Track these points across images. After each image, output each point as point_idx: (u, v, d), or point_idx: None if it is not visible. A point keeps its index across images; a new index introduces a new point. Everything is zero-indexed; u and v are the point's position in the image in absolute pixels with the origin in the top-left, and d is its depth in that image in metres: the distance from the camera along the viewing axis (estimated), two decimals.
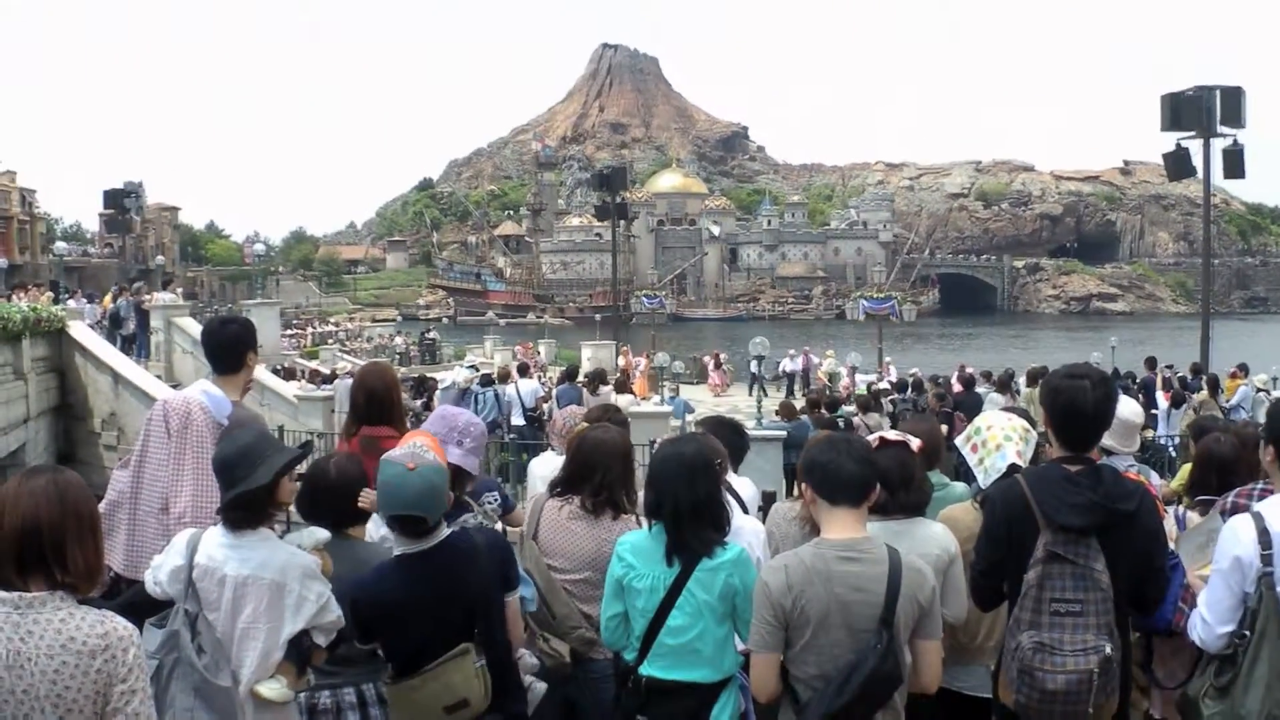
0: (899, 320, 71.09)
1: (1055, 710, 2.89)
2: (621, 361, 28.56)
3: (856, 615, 2.81)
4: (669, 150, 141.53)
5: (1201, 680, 2.95)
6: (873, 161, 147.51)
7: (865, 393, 17.10)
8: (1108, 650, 2.88)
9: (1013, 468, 3.65)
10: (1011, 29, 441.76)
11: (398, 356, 38.47)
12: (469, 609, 3.12)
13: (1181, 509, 4.21)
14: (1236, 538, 2.86)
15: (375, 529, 3.68)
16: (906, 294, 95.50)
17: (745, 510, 4.16)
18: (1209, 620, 2.90)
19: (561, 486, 3.87)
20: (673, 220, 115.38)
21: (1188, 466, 4.66)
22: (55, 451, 13.95)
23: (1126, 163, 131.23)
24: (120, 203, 33.23)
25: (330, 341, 44.47)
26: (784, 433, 11.88)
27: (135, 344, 19.30)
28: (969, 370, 22.71)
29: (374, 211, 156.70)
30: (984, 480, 3.74)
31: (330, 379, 19.95)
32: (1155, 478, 5.07)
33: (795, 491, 4.00)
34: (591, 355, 30.58)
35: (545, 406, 15.16)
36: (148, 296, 21.29)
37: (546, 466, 4.69)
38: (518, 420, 14.94)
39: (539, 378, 21.22)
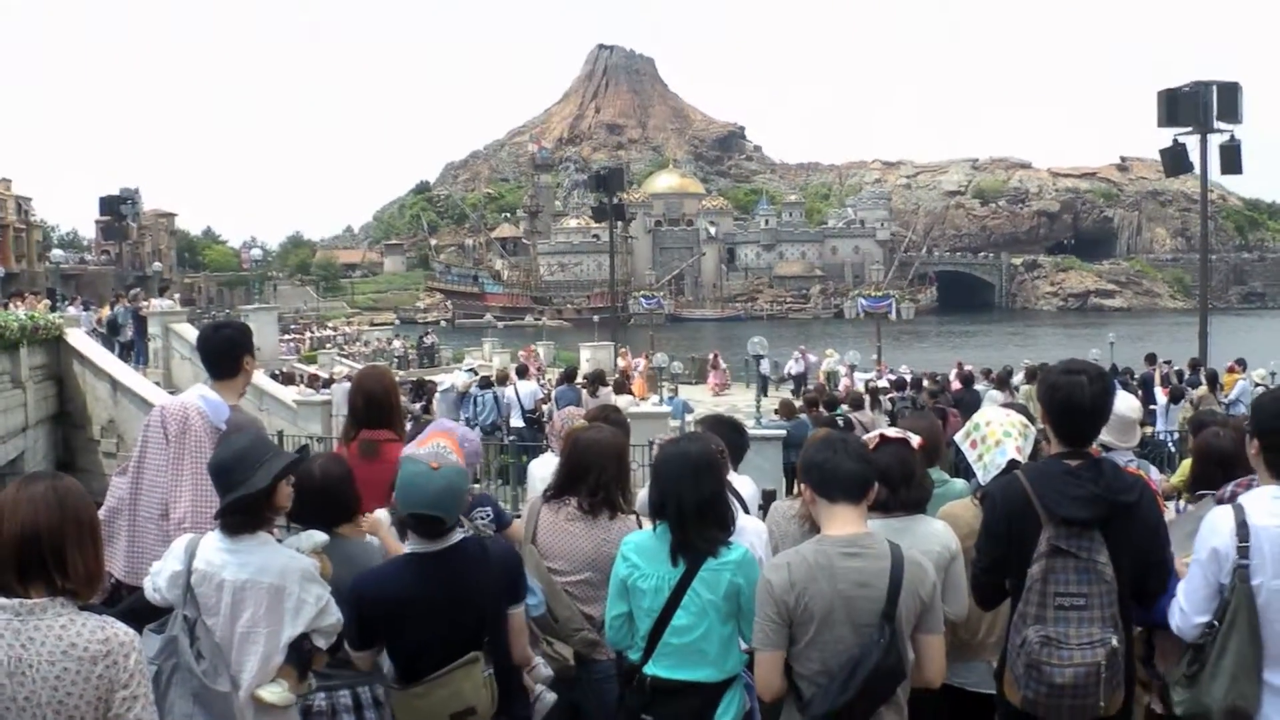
0: (897, 318, 71.17)
1: (1064, 704, 2.89)
2: (621, 363, 28.56)
3: (859, 610, 2.81)
4: (666, 151, 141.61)
5: (1177, 669, 2.98)
6: (870, 160, 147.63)
7: (860, 391, 17.10)
8: (1114, 643, 2.88)
9: (1012, 463, 3.65)
10: (1008, 27, 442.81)
11: (396, 360, 38.42)
12: (478, 614, 3.11)
13: (1182, 504, 4.22)
14: (1215, 529, 2.89)
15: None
16: (904, 292, 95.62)
17: (746, 509, 4.16)
18: (1186, 610, 2.92)
19: (556, 489, 3.86)
20: (670, 221, 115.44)
21: (1188, 462, 4.66)
22: (54, 459, 13.92)
23: (1124, 159, 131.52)
24: (117, 209, 33.32)
25: (328, 346, 44.38)
26: (784, 432, 11.91)
27: (133, 351, 19.31)
28: (967, 368, 22.75)
29: (371, 215, 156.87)
30: (984, 476, 3.74)
31: (329, 383, 19.95)
32: (1155, 473, 5.08)
33: (795, 490, 4.00)
34: (590, 356, 30.59)
35: (544, 408, 15.15)
36: (145, 303, 21.29)
37: (546, 468, 4.67)
38: (517, 422, 14.94)
39: (538, 379, 21.21)
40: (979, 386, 17.69)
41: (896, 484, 3.45)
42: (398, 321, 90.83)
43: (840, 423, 11.59)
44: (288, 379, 22.95)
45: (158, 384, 16.09)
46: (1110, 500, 2.96)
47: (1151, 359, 20.61)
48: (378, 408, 4.39)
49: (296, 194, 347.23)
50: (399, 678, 3.17)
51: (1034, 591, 2.96)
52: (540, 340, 42.63)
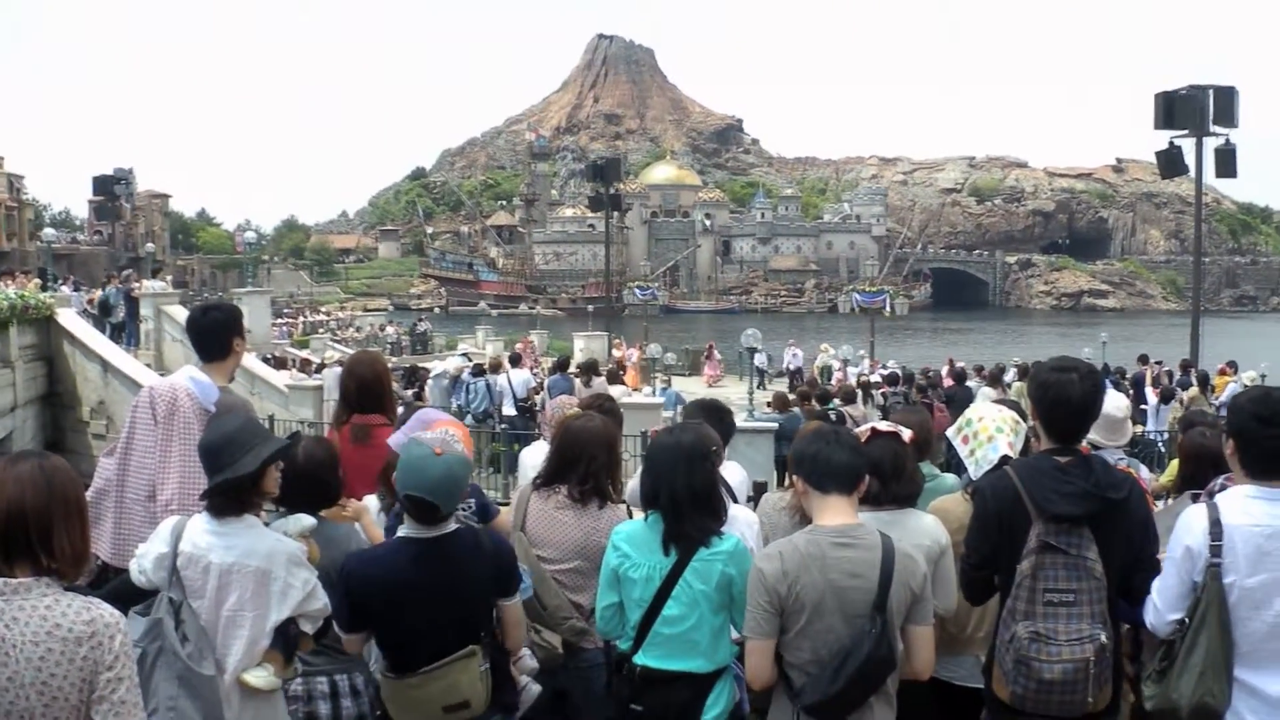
0: (891, 314, 71.22)
1: (1052, 700, 2.91)
2: (615, 353, 28.54)
3: (851, 601, 2.82)
4: (663, 142, 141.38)
5: (1150, 665, 3.00)
6: (867, 156, 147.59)
7: (852, 385, 17.14)
8: (1103, 639, 2.90)
9: (1004, 459, 3.65)
10: (1007, 26, 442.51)
11: (389, 346, 38.27)
12: (469, 605, 3.10)
13: (1171, 502, 4.23)
14: (1189, 527, 2.91)
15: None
16: (899, 288, 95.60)
17: (734, 497, 4.16)
18: (1159, 606, 2.95)
19: (546, 477, 3.85)
20: (666, 212, 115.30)
21: (1176, 461, 4.67)
22: (43, 440, 13.88)
23: (1119, 160, 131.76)
24: (110, 189, 33.02)
25: (321, 331, 44.22)
26: (776, 424, 11.95)
27: (124, 332, 19.22)
28: (960, 364, 22.80)
29: (366, 200, 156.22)
30: (975, 472, 3.74)
31: (320, 368, 19.89)
32: (1145, 471, 5.10)
33: (786, 482, 3.99)
34: (584, 346, 30.55)
35: (537, 397, 15.13)
36: (137, 284, 21.19)
37: (538, 456, 4.66)
38: (509, 410, 14.91)
39: (531, 368, 21.19)
40: (971, 383, 17.74)
41: (887, 477, 3.45)
42: (391, 308, 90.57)
43: (832, 416, 11.62)
44: (280, 363, 22.86)
45: (149, 366, 16.03)
46: (1100, 497, 2.96)
47: (1144, 359, 20.70)
48: (369, 393, 4.39)
49: (292, 178, 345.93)
50: (391, 667, 3.14)
51: (1023, 587, 2.97)
52: (534, 329, 42.58)
